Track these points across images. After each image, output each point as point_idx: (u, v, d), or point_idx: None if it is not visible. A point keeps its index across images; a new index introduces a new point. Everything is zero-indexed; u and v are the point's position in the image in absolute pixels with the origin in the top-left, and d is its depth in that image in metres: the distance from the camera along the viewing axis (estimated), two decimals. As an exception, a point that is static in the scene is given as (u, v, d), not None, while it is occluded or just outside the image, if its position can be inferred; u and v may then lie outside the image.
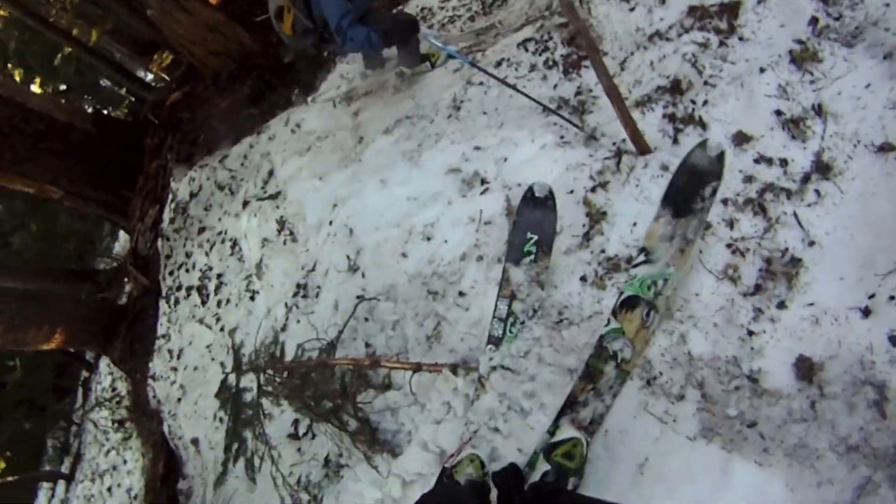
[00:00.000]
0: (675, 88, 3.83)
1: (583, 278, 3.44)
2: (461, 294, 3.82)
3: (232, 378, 5.21)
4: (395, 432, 3.72)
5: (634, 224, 3.43)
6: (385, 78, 5.89)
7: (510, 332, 3.42)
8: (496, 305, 3.48)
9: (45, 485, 11.69)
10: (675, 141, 3.65)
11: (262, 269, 5.49)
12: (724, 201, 3.19)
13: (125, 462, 7.68)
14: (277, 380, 4.13)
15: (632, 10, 4.45)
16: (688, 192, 3.07)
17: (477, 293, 3.77)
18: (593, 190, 3.72)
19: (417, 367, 3.55)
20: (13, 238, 10.94)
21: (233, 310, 5.79)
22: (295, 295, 5.00)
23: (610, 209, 3.59)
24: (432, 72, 5.51)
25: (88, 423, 9.61)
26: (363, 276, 4.49)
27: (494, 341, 3.44)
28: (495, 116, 4.65)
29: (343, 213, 4.87)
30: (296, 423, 4.48)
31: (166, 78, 10.76)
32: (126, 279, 8.62)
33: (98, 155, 8.58)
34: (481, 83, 4.95)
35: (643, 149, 3.66)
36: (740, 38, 3.73)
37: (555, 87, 4.57)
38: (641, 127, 3.67)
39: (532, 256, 3.48)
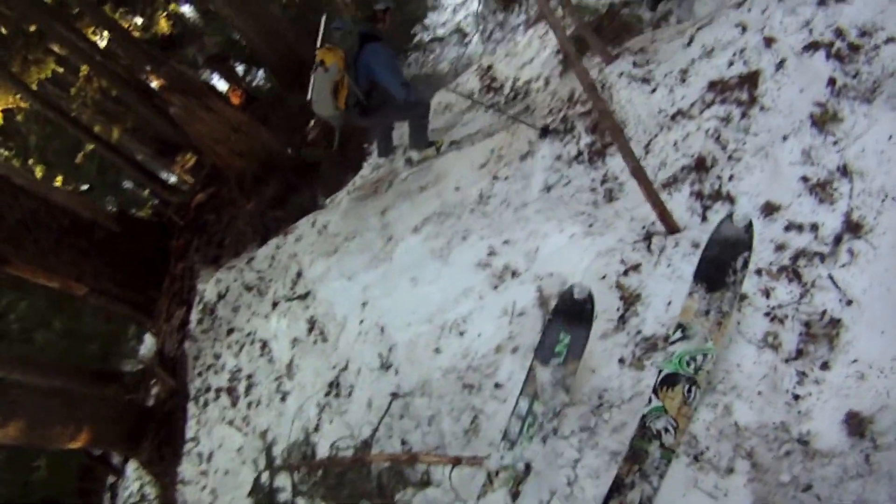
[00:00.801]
0: (700, 166, 3.95)
1: (621, 360, 3.46)
2: (497, 386, 3.82)
3: (265, 477, 5.14)
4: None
5: (669, 303, 3.46)
6: (396, 166, 6.32)
7: (527, 431, 3.39)
8: (517, 402, 3.48)
9: None
10: (704, 218, 3.75)
11: (292, 370, 5.52)
12: (759, 271, 3.23)
13: None
14: (312, 479, 4.09)
15: (653, 91, 4.55)
16: (719, 265, 3.12)
17: (514, 384, 3.74)
18: (625, 273, 3.78)
19: (457, 462, 3.51)
20: (36, 334, 10.99)
21: (264, 411, 5.76)
22: (327, 394, 5.00)
23: (644, 291, 3.64)
24: (456, 168, 5.69)
25: None
26: (396, 373, 4.49)
27: (510, 440, 3.41)
28: (522, 210, 4.77)
29: (374, 312, 4.92)
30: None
31: (189, 179, 11.04)
32: (153, 381, 8.62)
33: (123, 254, 8.68)
34: (507, 178, 5.10)
35: (672, 228, 3.75)
36: (761, 108, 3.83)
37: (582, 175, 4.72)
38: (669, 207, 3.77)
39: (561, 358, 3.44)
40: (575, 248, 4.14)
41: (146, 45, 10.51)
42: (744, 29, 4.18)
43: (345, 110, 5.43)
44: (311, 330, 5.50)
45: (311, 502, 4.39)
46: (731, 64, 4.13)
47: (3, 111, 10.73)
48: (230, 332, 6.65)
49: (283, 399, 5.58)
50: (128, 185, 14.44)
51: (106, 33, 10.31)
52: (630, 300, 3.66)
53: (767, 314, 3.10)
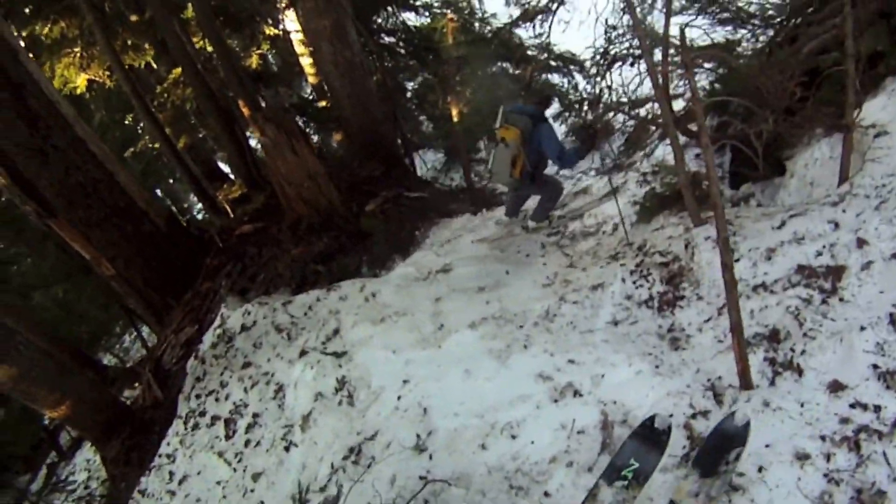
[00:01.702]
0: (773, 337, 4.24)
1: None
2: (547, 495, 3.86)
3: None
4: None
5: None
6: (512, 229, 6.96)
7: None
8: None
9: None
10: (773, 383, 4.02)
11: (308, 423, 5.44)
12: (823, 437, 3.48)
13: None
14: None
15: (736, 261, 4.88)
16: (716, 455, 3.46)
17: (563, 497, 3.81)
18: (694, 417, 3.97)
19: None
20: (35, 293, 10.85)
21: (262, 454, 5.64)
22: (345, 458, 4.94)
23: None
24: (518, 280, 5.97)
25: None
26: (430, 457, 4.48)
27: None
28: (588, 335, 4.98)
29: (417, 392, 4.96)
30: None
31: (228, 209, 11.12)
32: (136, 384, 8.45)
33: (160, 253, 8.80)
34: (575, 302, 5.31)
35: (747, 385, 3.99)
36: (841, 299, 4.19)
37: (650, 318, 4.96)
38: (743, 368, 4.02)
39: (626, 482, 3.57)
40: (642, 383, 4.32)
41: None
42: (836, 226, 4.58)
43: (518, 179, 6.32)
44: (338, 390, 5.48)
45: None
46: (819, 254, 4.51)
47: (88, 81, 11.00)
48: (246, 365, 6.57)
49: (288, 449, 5.47)
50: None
51: (210, 47, 10.58)
52: (696, 442, 3.82)
53: (826, 475, 3.31)
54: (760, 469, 3.51)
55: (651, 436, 3.66)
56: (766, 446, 3.61)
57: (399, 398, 5.04)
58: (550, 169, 6.91)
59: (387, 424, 4.92)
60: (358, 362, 5.61)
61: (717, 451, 3.45)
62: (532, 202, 7.20)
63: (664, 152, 7.16)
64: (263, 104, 8.81)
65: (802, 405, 3.80)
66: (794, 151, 5.97)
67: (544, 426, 4.25)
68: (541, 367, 4.72)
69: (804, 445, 3.49)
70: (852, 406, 3.59)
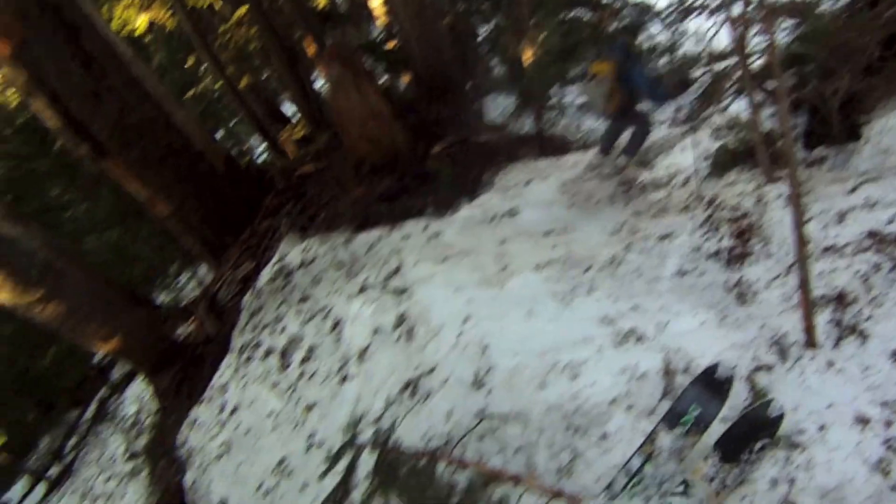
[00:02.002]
0: (840, 300, 4.15)
1: None
2: (604, 437, 3.90)
3: (347, 453, 5.12)
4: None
5: (795, 408, 3.61)
6: (602, 169, 7.02)
7: (630, 489, 3.48)
8: (630, 459, 3.58)
9: (25, 481, 11.22)
10: (836, 345, 3.92)
11: (364, 357, 5.57)
12: (884, 403, 3.45)
13: (124, 495, 7.47)
14: (393, 467, 4.09)
15: (807, 221, 4.79)
16: (740, 442, 3.38)
17: (621, 440, 3.84)
18: (757, 370, 3.95)
19: (557, 494, 3.57)
20: (89, 238, 11.15)
21: (315, 386, 5.82)
22: (401, 392, 5.06)
23: (772, 391, 3.79)
24: (585, 227, 5.98)
25: (95, 442, 9.48)
26: (489, 393, 4.56)
27: (612, 493, 3.50)
28: (654, 284, 4.95)
29: (478, 330, 5.01)
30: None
31: (290, 149, 11.13)
32: (190, 321, 8.65)
33: (216, 193, 8.88)
34: (642, 251, 5.27)
35: (812, 343, 3.93)
36: None
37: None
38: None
39: (686, 428, 3.58)
40: (706, 334, 4.31)
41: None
42: None
43: (613, 112, 6.52)
44: (397, 325, 5.58)
45: (385, 490, 4.41)
46: (890, 222, 4.41)
47: (148, 22, 11.07)
48: (304, 299, 6.70)
49: (343, 382, 5.63)
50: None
51: None
52: (758, 395, 3.80)
53: (885, 442, 3.29)
54: (821, 428, 3.50)
55: (713, 384, 3.66)
56: (828, 406, 3.59)
57: (459, 335, 5.09)
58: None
59: (445, 360, 5.00)
60: (418, 299, 5.68)
61: (744, 437, 3.40)
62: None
63: (739, 108, 7.01)
64: (329, 42, 8.74)
65: (865, 369, 3.75)
66: (871, 117, 5.80)
67: (605, 369, 4.27)
68: (604, 312, 4.73)
69: (865, 410, 3.47)
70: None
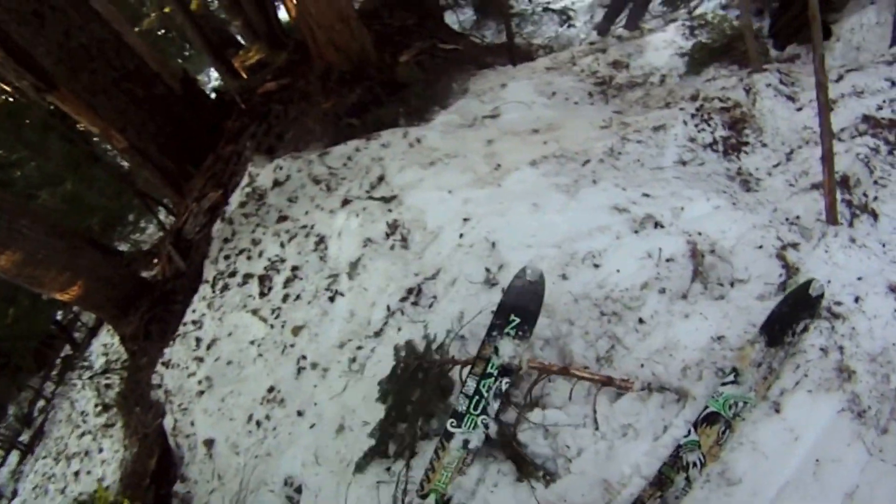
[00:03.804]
0: (845, 182, 4.07)
1: None
2: (641, 321, 3.66)
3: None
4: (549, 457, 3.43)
5: (829, 282, 3.52)
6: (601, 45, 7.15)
7: (472, 411, 3.42)
8: (465, 382, 3.50)
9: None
10: (851, 224, 3.89)
11: (356, 270, 5.09)
12: None
13: (101, 450, 6.82)
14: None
15: (798, 110, 4.75)
16: (784, 324, 3.26)
17: (659, 323, 3.62)
18: (784, 248, 3.81)
19: (608, 382, 3.33)
20: (41, 193, 10.14)
21: (303, 307, 5.30)
22: (403, 300, 4.63)
23: (802, 266, 3.68)
24: (572, 122, 5.66)
25: (63, 400, 8.79)
26: (502, 291, 4.26)
27: (458, 417, 3.44)
28: (659, 172, 4.70)
29: (482, 228, 4.60)
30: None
31: (244, 75, 10.41)
32: (156, 260, 8.00)
33: (174, 117, 7.99)
34: (639, 141, 4.99)
35: (834, 220, 3.83)
36: None
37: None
38: (821, 207, 3.93)
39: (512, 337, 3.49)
40: (724, 217, 4.10)
41: None
42: (892, 83, 4.60)
43: None
44: (389, 234, 5.11)
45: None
46: (879, 108, 4.46)
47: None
48: (281, 219, 6.09)
49: (332, 299, 5.12)
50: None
51: None
52: (792, 271, 3.69)
53: None
54: (857, 300, 3.43)
55: (525, 286, 3.60)
56: (859, 279, 3.53)
57: (461, 235, 4.67)
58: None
59: (449, 262, 4.58)
60: (409, 205, 5.20)
61: (786, 319, 3.26)
62: None
63: (708, 7, 6.91)
64: None
65: (884, 245, 3.75)
66: (841, 16, 5.82)
67: (628, 255, 3.99)
68: (614, 201, 4.40)
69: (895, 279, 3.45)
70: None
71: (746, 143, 4.84)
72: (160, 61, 8.13)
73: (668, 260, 3.87)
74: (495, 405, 3.39)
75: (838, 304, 3.43)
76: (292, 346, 5.17)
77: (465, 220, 4.78)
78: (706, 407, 3.10)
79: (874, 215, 3.90)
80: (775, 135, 4.76)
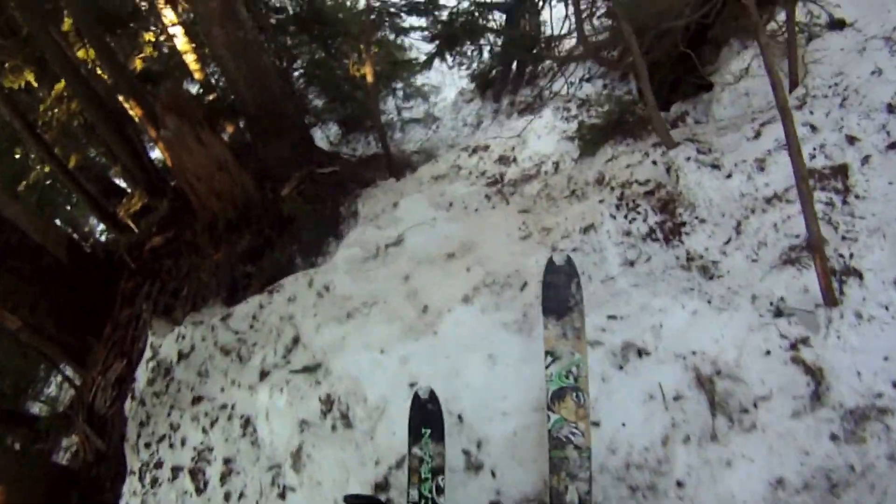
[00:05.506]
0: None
1: (833, 437, 2.92)
2: (679, 485, 2.96)
3: None
4: None
5: (858, 374, 3.03)
6: None
7: None
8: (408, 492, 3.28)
9: None
10: (842, 292, 3.39)
11: (300, 460, 4.03)
12: None
13: None
14: None
15: (728, 177, 4.25)
16: (559, 298, 3.40)
17: (700, 480, 2.96)
18: (795, 347, 3.24)
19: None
20: None
21: (252, 507, 4.25)
22: (373, 497, 3.71)
23: (825, 365, 3.13)
24: (485, 238, 5.00)
25: None
26: (493, 475, 3.38)
27: None
28: (611, 284, 4.07)
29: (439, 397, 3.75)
30: None
31: (132, 225, 9.33)
32: (72, 436, 6.87)
33: (67, 288, 7.13)
34: (574, 249, 4.32)
35: (833, 301, 3.32)
36: (857, 196, 3.75)
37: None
38: (803, 283, 3.52)
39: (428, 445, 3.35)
40: (708, 323, 3.50)
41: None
42: (813, 128, 4.16)
43: None
44: (327, 412, 4.09)
45: None
46: (812, 157, 3.99)
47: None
48: (196, 400, 4.90)
49: (283, 496, 4.05)
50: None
51: (92, 52, 8.67)
52: (816, 375, 3.12)
53: None
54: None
55: (424, 403, 3.49)
56: (885, 359, 3.04)
57: (413, 408, 3.80)
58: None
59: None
60: (339, 373, 4.18)
61: (558, 292, 3.40)
62: None
63: (588, 89, 6.94)
64: (161, 94, 7.14)
65: (887, 308, 3.23)
66: (717, 66, 5.60)
67: (626, 401, 3.30)
68: (580, 332, 3.71)
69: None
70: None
71: (683, 224, 4.28)
72: (43, 230, 7.07)
73: (675, 398, 3.19)
74: (441, 500, 3.21)
75: (879, 395, 2.94)
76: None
77: (412, 384, 3.88)
78: (549, 391, 3.19)
79: (859, 275, 3.43)
80: (710, 207, 4.22)
